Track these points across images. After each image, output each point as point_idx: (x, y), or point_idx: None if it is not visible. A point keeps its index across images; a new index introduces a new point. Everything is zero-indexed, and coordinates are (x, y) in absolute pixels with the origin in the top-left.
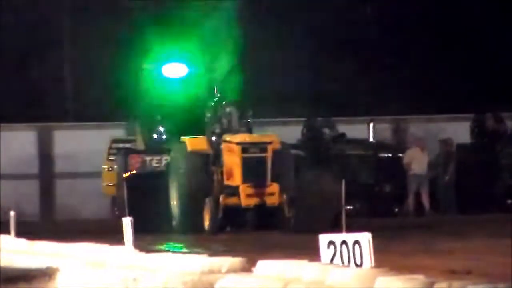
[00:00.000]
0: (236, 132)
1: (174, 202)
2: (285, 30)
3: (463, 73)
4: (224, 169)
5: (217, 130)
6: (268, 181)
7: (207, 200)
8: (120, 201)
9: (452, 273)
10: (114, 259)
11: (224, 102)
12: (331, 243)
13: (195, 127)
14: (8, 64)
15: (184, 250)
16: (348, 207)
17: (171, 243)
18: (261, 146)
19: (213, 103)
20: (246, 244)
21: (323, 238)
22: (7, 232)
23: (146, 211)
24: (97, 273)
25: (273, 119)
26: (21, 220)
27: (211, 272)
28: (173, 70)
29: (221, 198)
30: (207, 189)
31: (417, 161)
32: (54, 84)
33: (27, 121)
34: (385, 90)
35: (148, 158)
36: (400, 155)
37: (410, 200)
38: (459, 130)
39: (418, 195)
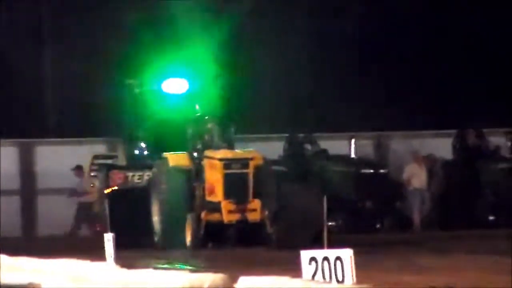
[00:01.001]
0: (217, 148)
1: (156, 218)
2: (266, 45)
3: (445, 89)
4: (206, 185)
5: (199, 146)
6: (250, 197)
7: (189, 216)
8: (102, 217)
9: None
10: (96, 275)
11: (205, 118)
12: (312, 259)
13: (177, 143)
14: None
15: (166, 266)
16: (330, 223)
17: (153, 259)
18: (243, 162)
19: (195, 119)
20: (227, 260)
21: (305, 254)
22: None
23: (128, 227)
24: None
25: (255, 135)
26: (2, 236)
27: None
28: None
29: (203, 214)
30: (189, 205)
31: (416, 176)
32: (35, 99)
33: (7, 137)
34: (367, 106)
35: (130, 174)
36: (382, 171)
37: (416, 216)
38: (441, 146)
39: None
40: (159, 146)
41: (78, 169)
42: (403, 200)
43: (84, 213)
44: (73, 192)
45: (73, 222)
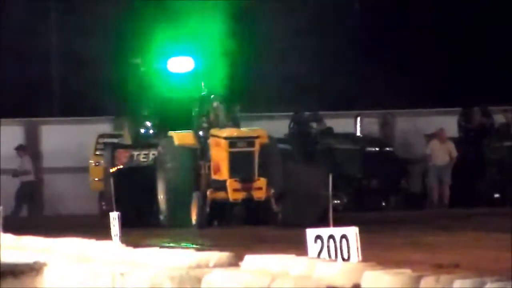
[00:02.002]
0: (223, 126)
1: (161, 197)
2: (273, 23)
3: (451, 66)
4: (212, 164)
5: (205, 125)
6: (255, 176)
7: (194, 194)
8: (107, 196)
9: (439, 267)
10: (101, 254)
11: (211, 97)
12: (318, 237)
13: (182, 121)
14: None
15: (172, 244)
16: (336, 202)
17: (159, 238)
18: (249, 141)
19: (200, 98)
20: (233, 238)
21: (310, 233)
22: None
23: (133, 206)
24: (84, 268)
25: (261, 114)
26: (8, 215)
27: (199, 266)
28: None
29: (208, 193)
30: (194, 183)
31: (438, 153)
32: (40, 78)
33: (13, 116)
34: (373, 84)
35: (135, 153)
36: (388, 149)
37: (435, 192)
38: (447, 125)
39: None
40: (164, 124)
41: (21, 148)
42: (409, 177)
43: (27, 192)
44: (15, 172)
45: (15, 202)
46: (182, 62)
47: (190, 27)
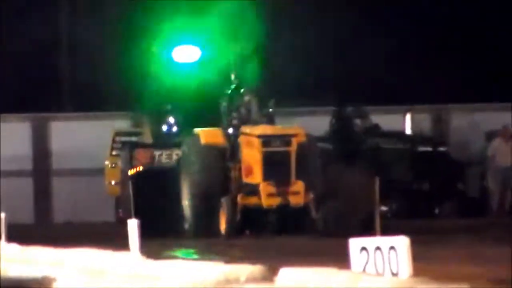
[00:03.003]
0: (256, 123)
1: (186, 203)
2: (311, 8)
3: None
4: (243, 165)
5: (235, 121)
6: (292, 179)
7: (223, 200)
8: (125, 201)
9: (500, 283)
10: (118, 267)
11: (242, 90)
12: (363, 248)
13: (209, 118)
14: None
15: (197, 256)
16: (383, 208)
17: (182, 249)
18: (284, 139)
19: (230, 91)
20: (267, 250)
21: (354, 243)
22: None
23: (155, 213)
24: (98, 283)
25: (298, 109)
26: (13, 223)
27: (228, 282)
28: (184, 53)
29: (239, 198)
30: (223, 187)
31: (501, 153)
32: (50, 69)
33: (20, 111)
34: (425, 76)
35: (156, 153)
36: (442, 149)
37: (496, 198)
38: (507, 121)
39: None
40: (189, 121)
41: None
42: (466, 181)
43: None
44: None
45: None
46: (189, 51)
47: (222, 13)
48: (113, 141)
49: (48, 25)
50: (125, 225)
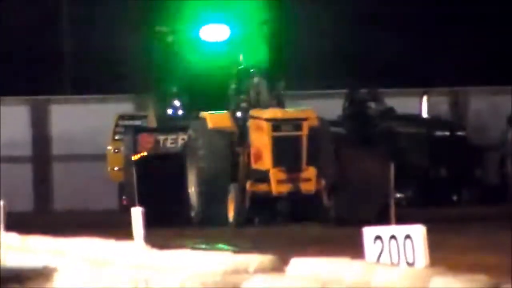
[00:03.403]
0: (265, 106)
1: (192, 190)
2: None
3: None
4: (252, 151)
5: (243, 105)
6: (304, 165)
7: (231, 187)
8: (128, 188)
9: None
10: (122, 256)
11: (251, 72)
12: (377, 237)
13: (217, 100)
14: None
15: (204, 246)
16: (398, 195)
17: (189, 238)
18: (295, 123)
19: (238, 73)
20: (277, 239)
21: (368, 232)
22: None
23: (160, 200)
24: (101, 273)
25: (309, 91)
26: (11, 211)
27: (236, 272)
28: (209, 32)
29: (248, 185)
30: (231, 174)
31: None
32: (50, 49)
33: (18, 94)
34: (442, 57)
35: (161, 138)
36: (460, 133)
37: None
38: None
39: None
40: (195, 104)
41: None
42: (485, 167)
43: None
44: None
45: None
46: (216, 30)
47: None
48: (116, 125)
49: (49, 4)
50: (129, 213)
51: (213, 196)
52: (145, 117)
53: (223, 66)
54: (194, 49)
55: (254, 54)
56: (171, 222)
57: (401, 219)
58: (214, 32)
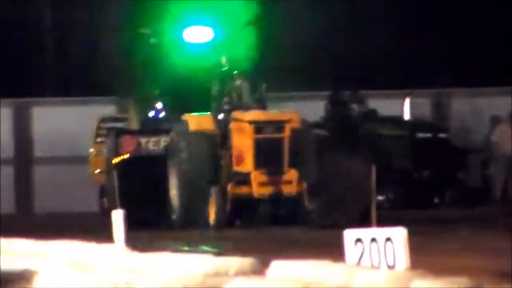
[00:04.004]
0: (247, 108)
1: (173, 192)
2: None
3: None
4: (233, 153)
5: (225, 107)
6: (285, 167)
7: (212, 189)
8: (110, 191)
9: (502, 276)
10: (103, 259)
11: (233, 74)
12: (358, 240)
13: (199, 103)
14: None
15: (186, 248)
16: (380, 197)
17: (170, 241)
18: (277, 125)
19: (220, 75)
20: (258, 241)
21: (349, 234)
22: None
23: (141, 203)
24: (82, 276)
25: (292, 93)
26: None
27: (217, 274)
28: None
29: (229, 187)
30: (213, 176)
31: (507, 140)
32: (32, 51)
33: (0, 96)
34: (424, 59)
35: (143, 140)
36: (442, 135)
37: (498, 187)
38: (509, 105)
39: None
40: (177, 106)
41: None
42: (467, 169)
43: None
44: None
45: None
46: (198, 32)
47: None
48: (98, 127)
49: (32, 4)
50: (110, 215)
51: (194, 198)
52: (127, 119)
53: (205, 68)
54: (177, 51)
55: (237, 56)
56: (152, 225)
57: (383, 222)
58: (197, 34)
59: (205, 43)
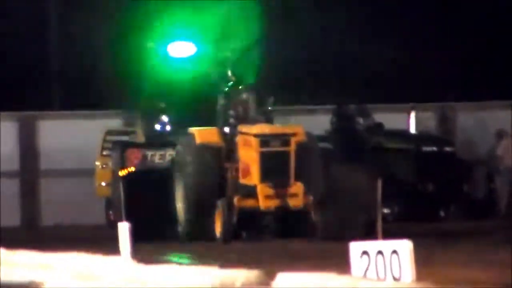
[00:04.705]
0: (253, 122)
1: (180, 205)
2: (313, 3)
3: None
4: (240, 166)
5: (232, 120)
6: (291, 180)
7: (219, 202)
8: (116, 203)
9: None
10: (109, 271)
11: (239, 87)
12: (364, 252)
13: (205, 116)
14: None
15: (191, 261)
16: (385, 210)
17: (176, 253)
18: (283, 139)
19: (226, 88)
20: (264, 254)
21: (355, 247)
22: None
23: (147, 216)
24: None
25: (298, 107)
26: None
27: (223, 286)
28: (179, 49)
29: (235, 200)
30: (219, 189)
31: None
32: (37, 65)
33: (6, 109)
34: (430, 73)
35: (149, 153)
36: (448, 149)
37: (503, 200)
38: None
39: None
40: (184, 120)
41: None
42: (473, 182)
43: None
44: None
45: None
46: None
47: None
48: (104, 140)
49: (37, 19)
50: (116, 228)
51: (200, 211)
52: (133, 132)
53: (212, 81)
54: (183, 66)
55: (243, 70)
56: (159, 238)
57: (388, 234)
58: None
59: (212, 60)
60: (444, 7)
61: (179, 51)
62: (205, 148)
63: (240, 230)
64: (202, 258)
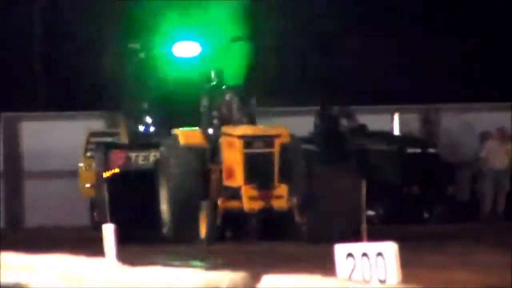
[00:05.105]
0: (237, 123)
1: (164, 207)
2: (296, 4)
3: (505, 55)
4: (223, 168)
5: (215, 121)
6: (275, 182)
7: (203, 203)
8: (100, 205)
9: None
10: (94, 273)
11: (223, 88)
12: (349, 254)
13: (188, 117)
14: None
15: (176, 263)
16: (370, 212)
17: (161, 255)
18: (267, 140)
19: (209, 89)
20: (249, 256)
21: (340, 249)
22: None
23: (131, 217)
24: None
25: (281, 108)
26: None
27: None
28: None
29: (219, 202)
30: (203, 191)
31: (496, 155)
32: (21, 65)
33: None
34: (413, 74)
35: (133, 154)
36: (431, 150)
37: (488, 201)
38: (500, 121)
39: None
40: (167, 121)
41: None
42: (457, 184)
43: None
44: None
45: None
46: (188, 47)
47: (198, 7)
48: (88, 142)
49: (21, 18)
50: (100, 229)
51: (185, 213)
52: (116, 134)
53: (195, 82)
54: (166, 66)
55: (226, 70)
56: (143, 239)
57: (373, 236)
58: (186, 49)
59: (194, 58)
60: (430, 9)
61: (182, 51)
62: (189, 149)
63: (224, 232)
64: (186, 260)
